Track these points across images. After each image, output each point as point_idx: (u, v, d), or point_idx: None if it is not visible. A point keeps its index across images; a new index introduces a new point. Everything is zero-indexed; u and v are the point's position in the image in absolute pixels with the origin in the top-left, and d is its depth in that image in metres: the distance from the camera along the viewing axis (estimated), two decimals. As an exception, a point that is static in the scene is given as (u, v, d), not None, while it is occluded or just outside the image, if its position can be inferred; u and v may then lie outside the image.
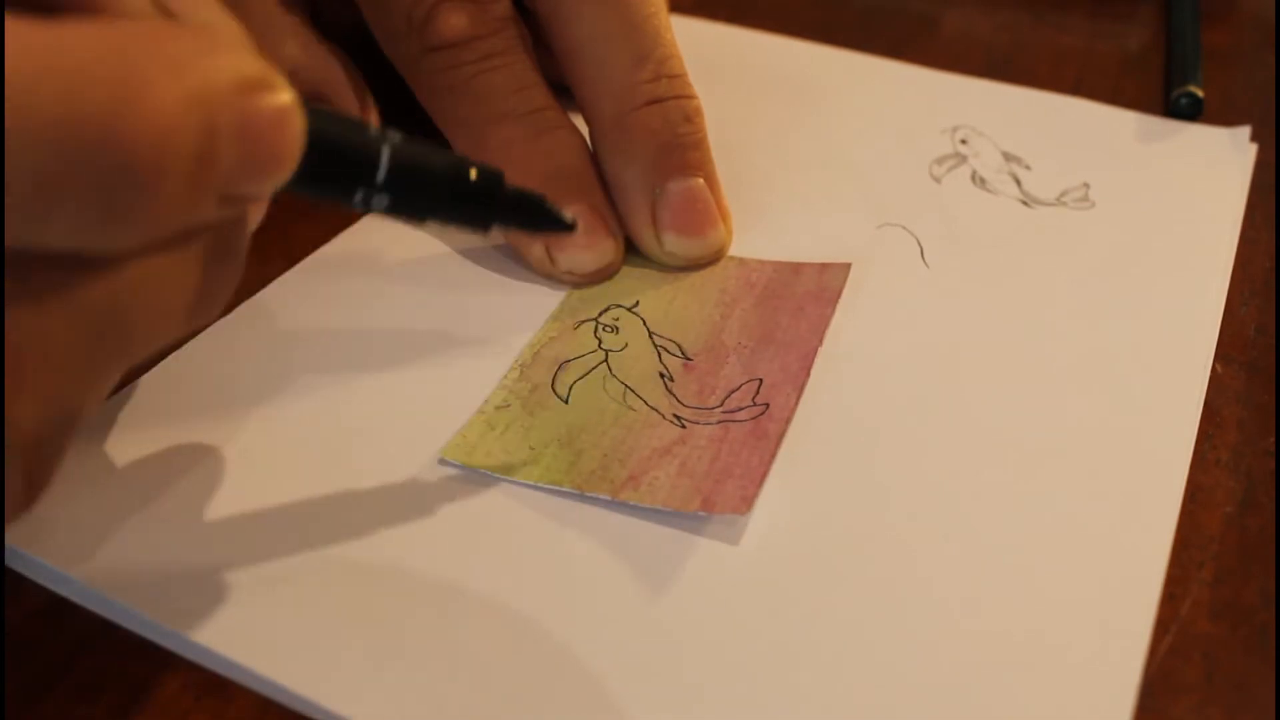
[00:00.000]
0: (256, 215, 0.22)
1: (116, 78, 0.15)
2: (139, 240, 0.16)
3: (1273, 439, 0.27)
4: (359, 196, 0.20)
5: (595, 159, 0.31)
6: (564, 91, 0.31)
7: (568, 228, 0.24)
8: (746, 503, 0.24)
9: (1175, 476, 0.25)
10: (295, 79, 0.31)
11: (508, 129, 0.30)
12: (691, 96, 0.31)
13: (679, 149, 0.30)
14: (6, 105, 0.13)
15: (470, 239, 0.32)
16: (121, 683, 0.21)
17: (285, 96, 0.17)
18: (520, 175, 0.30)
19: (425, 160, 0.20)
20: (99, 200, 0.15)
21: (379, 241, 0.32)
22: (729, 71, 0.41)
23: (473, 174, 0.21)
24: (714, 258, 0.31)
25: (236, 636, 0.21)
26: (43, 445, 0.17)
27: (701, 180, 0.30)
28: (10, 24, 0.14)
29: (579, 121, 0.31)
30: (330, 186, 0.19)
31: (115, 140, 0.14)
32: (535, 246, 0.30)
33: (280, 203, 0.21)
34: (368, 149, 0.19)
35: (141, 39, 0.15)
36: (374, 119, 0.32)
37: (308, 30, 0.32)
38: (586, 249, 0.30)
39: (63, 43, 0.14)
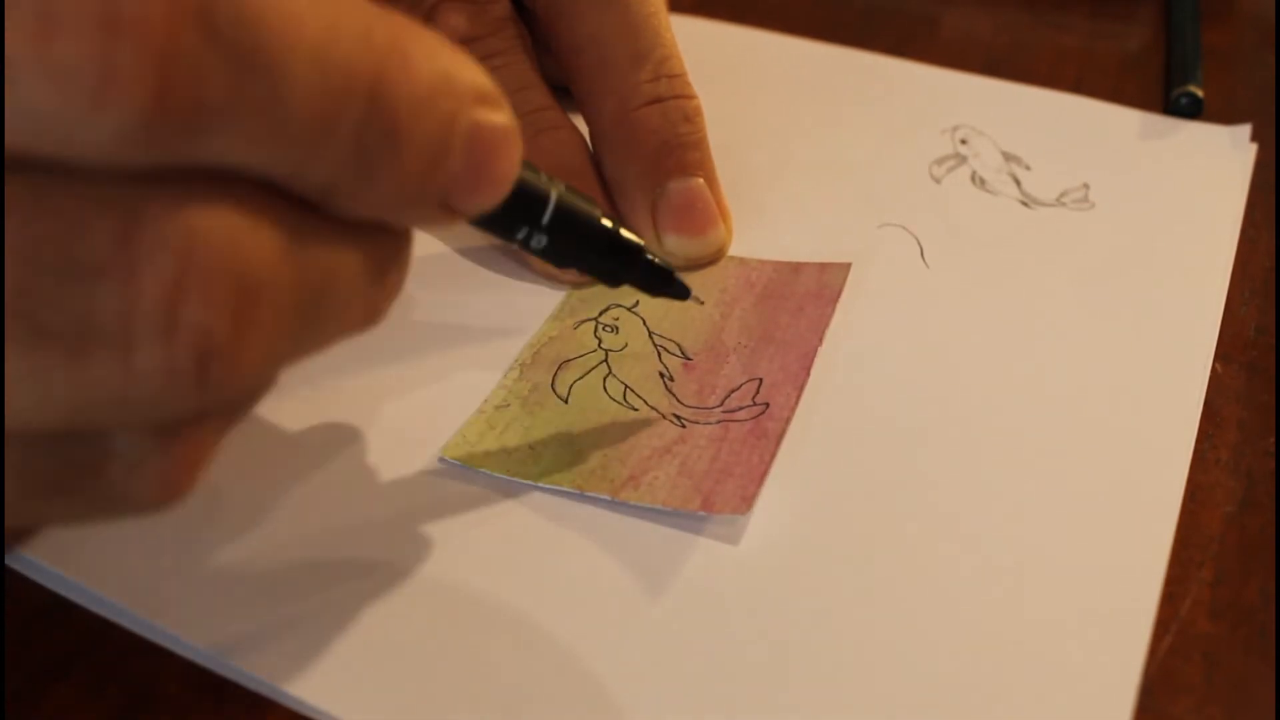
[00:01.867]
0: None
1: (388, 44, 0.16)
2: (375, 203, 0.16)
3: (1273, 439, 0.27)
4: (522, 234, 0.21)
5: (595, 159, 0.31)
6: (564, 92, 0.31)
7: (685, 295, 0.25)
8: (746, 502, 0.24)
9: (1175, 476, 0.25)
10: None
11: None
12: (691, 96, 0.31)
13: (679, 149, 0.30)
14: (301, 36, 0.14)
15: (471, 238, 0.32)
16: (121, 683, 0.21)
17: (511, 120, 0.18)
18: None
19: (583, 211, 0.22)
20: (355, 145, 0.15)
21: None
22: (729, 71, 0.41)
23: (624, 233, 0.23)
24: (714, 257, 0.31)
25: (236, 635, 0.21)
26: (221, 419, 0.17)
27: (701, 180, 0.30)
28: None
29: (579, 122, 0.31)
30: (502, 220, 0.20)
31: (380, 95, 0.15)
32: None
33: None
34: (540, 190, 0.20)
35: (406, 24, 0.16)
36: None
37: None
38: None
39: (344, 4, 0.15)
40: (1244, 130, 0.38)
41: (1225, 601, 0.23)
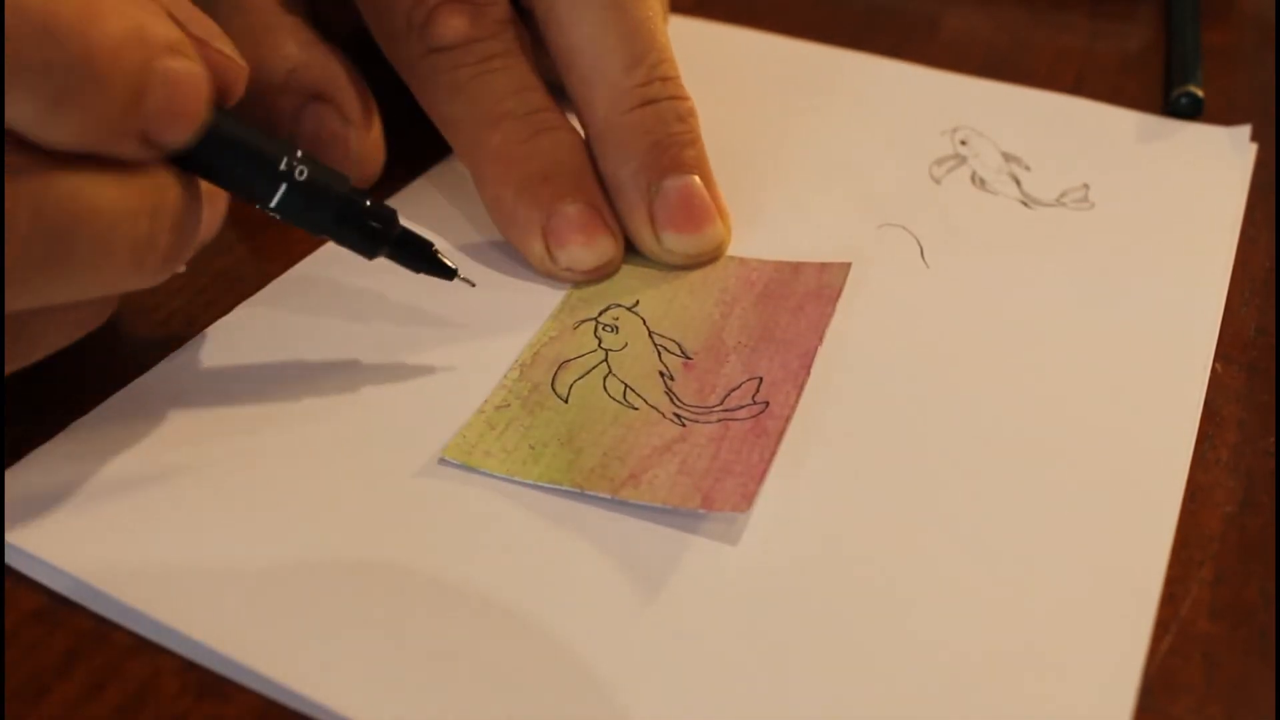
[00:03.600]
0: (212, 224, 0.25)
1: (83, 2, 0.19)
2: (78, 134, 0.19)
3: (1273, 439, 0.27)
4: (275, 200, 0.24)
5: (593, 160, 0.31)
6: (563, 95, 0.31)
7: (451, 274, 0.27)
8: (746, 500, 0.24)
9: (1175, 476, 0.25)
10: (295, 79, 0.31)
11: (506, 129, 0.30)
12: (685, 98, 0.31)
13: (673, 147, 0.30)
14: None
15: (471, 238, 0.32)
16: (121, 683, 0.21)
17: (200, 68, 0.21)
18: (518, 174, 0.30)
19: (325, 179, 0.24)
20: (55, 82, 0.19)
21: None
22: (729, 71, 0.41)
23: (370, 202, 0.25)
24: (713, 254, 0.31)
25: (237, 635, 0.21)
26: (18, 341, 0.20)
27: (697, 177, 0.30)
28: None
29: (577, 124, 0.31)
30: (243, 184, 0.23)
31: (79, 39, 0.19)
32: (535, 244, 0.30)
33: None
34: (276, 157, 0.23)
35: None
36: (376, 120, 0.33)
37: (308, 31, 0.32)
38: (586, 245, 0.30)
39: None
40: (1244, 131, 0.38)
41: (1225, 601, 0.23)
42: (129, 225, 0.21)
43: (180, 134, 0.21)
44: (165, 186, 0.22)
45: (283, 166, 0.23)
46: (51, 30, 0.18)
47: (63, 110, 0.19)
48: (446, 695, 0.20)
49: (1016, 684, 0.21)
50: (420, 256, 0.26)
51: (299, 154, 0.24)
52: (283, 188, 0.24)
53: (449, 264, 0.27)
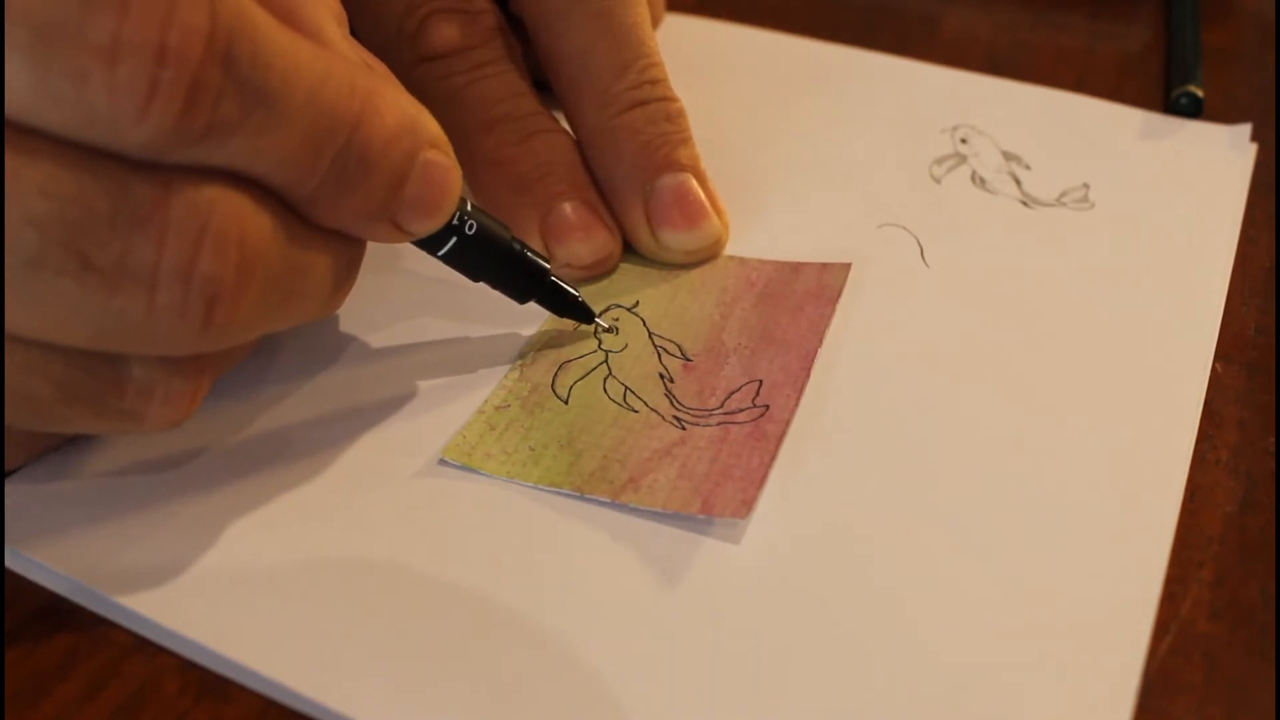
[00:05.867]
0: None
1: (366, 93, 0.20)
2: (343, 216, 0.21)
3: (1273, 439, 0.27)
4: (446, 249, 0.25)
5: (586, 163, 0.31)
6: (553, 99, 0.32)
7: (590, 319, 0.28)
8: (746, 506, 0.24)
9: (1175, 476, 0.25)
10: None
11: (499, 133, 0.30)
12: (674, 99, 0.31)
13: (665, 146, 0.31)
14: (300, 80, 0.19)
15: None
16: (121, 683, 0.21)
17: (454, 163, 0.23)
18: (512, 175, 0.30)
19: (495, 232, 0.26)
20: (335, 170, 0.20)
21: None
22: (729, 70, 0.41)
23: (529, 254, 0.26)
24: (711, 251, 0.31)
25: (237, 635, 0.21)
26: (218, 359, 0.22)
27: (689, 175, 0.31)
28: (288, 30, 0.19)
29: (569, 129, 0.32)
30: (432, 237, 0.24)
31: (360, 134, 0.20)
32: (533, 243, 0.30)
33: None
34: (462, 214, 0.25)
35: (383, 78, 0.22)
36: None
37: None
38: (583, 241, 0.30)
39: (332, 57, 0.20)
40: (1244, 130, 0.38)
41: (1225, 601, 0.23)
42: (328, 282, 0.22)
43: (430, 224, 0.23)
44: (356, 252, 0.23)
45: (454, 220, 0.24)
46: (336, 124, 0.20)
47: (340, 193, 0.21)
48: (446, 695, 0.20)
49: (1017, 684, 0.21)
50: (565, 303, 0.28)
51: (469, 205, 0.25)
52: (453, 240, 0.25)
53: (591, 310, 0.28)
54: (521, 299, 0.27)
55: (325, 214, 0.21)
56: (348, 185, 0.20)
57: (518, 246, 0.26)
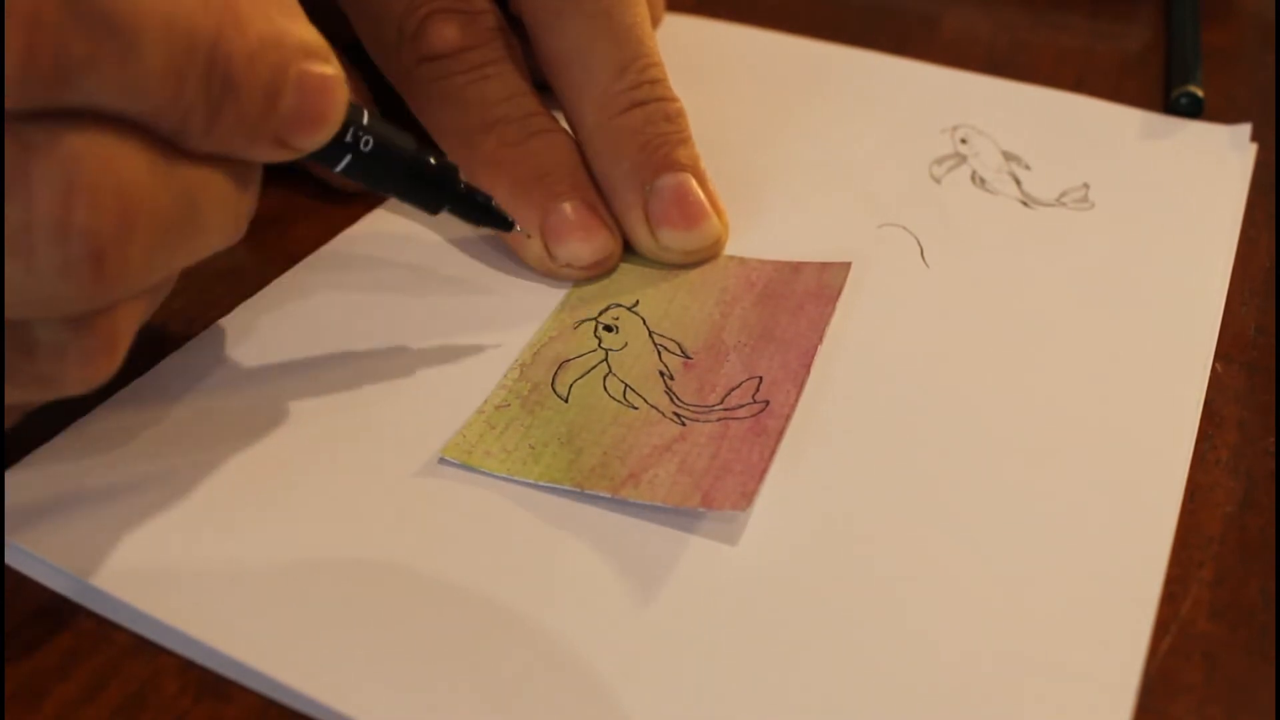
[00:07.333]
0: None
1: (219, 9, 0.19)
2: (220, 139, 0.20)
3: (1273, 439, 0.27)
4: (343, 163, 0.24)
5: (586, 163, 0.31)
6: (553, 99, 0.32)
7: (509, 226, 0.27)
8: (746, 498, 0.24)
9: (1175, 476, 0.25)
10: None
11: (499, 133, 0.30)
12: (674, 99, 0.31)
13: (665, 146, 0.31)
14: (149, 5, 0.18)
15: (469, 235, 0.32)
16: (121, 683, 0.21)
17: (336, 69, 0.21)
18: (512, 175, 0.30)
19: (394, 139, 0.24)
20: (201, 92, 0.19)
21: (378, 241, 0.32)
22: (729, 70, 0.41)
23: (434, 159, 0.25)
24: (711, 251, 0.31)
25: (237, 635, 0.21)
26: (128, 308, 0.21)
27: (689, 174, 0.31)
28: None
29: (569, 129, 0.32)
30: (325, 149, 0.23)
31: (220, 51, 0.19)
32: (533, 243, 0.30)
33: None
34: (356, 122, 0.23)
35: None
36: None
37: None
38: (584, 241, 0.30)
39: None
40: (1244, 130, 0.38)
41: (1225, 601, 0.23)
42: (226, 208, 0.21)
43: (315, 138, 0.21)
44: (251, 172, 0.22)
45: (349, 138, 0.23)
46: (195, 42, 0.19)
47: (208, 116, 0.19)
48: (446, 694, 0.20)
49: (1016, 684, 0.21)
50: (479, 209, 0.27)
51: (365, 117, 0.24)
52: (348, 156, 0.24)
53: (507, 217, 0.27)
54: (433, 210, 0.26)
55: (200, 140, 0.20)
56: (216, 107, 0.19)
57: (423, 156, 0.25)
